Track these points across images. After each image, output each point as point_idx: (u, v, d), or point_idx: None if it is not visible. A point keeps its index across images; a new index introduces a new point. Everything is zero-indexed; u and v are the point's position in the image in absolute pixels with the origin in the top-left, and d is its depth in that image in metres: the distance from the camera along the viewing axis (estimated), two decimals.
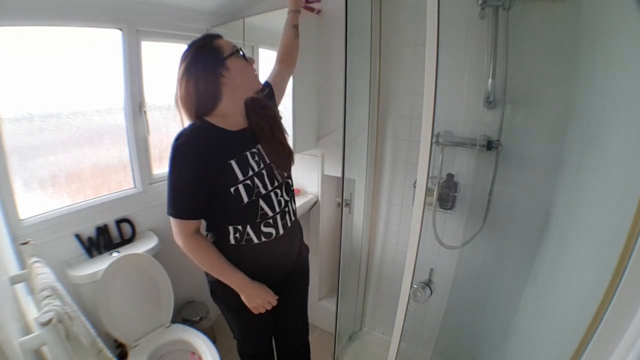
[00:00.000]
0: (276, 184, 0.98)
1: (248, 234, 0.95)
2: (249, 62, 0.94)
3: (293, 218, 1.05)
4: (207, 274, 1.05)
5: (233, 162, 0.89)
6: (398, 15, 1.40)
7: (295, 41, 1.23)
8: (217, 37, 0.94)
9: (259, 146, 0.97)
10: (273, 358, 1.32)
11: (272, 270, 1.05)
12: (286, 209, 1.01)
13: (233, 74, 0.90)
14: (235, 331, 1.19)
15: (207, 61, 0.89)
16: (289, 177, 1.05)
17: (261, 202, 0.94)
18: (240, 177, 0.90)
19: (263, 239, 0.97)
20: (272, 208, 0.96)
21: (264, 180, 0.95)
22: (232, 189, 0.89)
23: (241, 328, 1.16)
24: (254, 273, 0.99)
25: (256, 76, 0.98)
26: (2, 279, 0.82)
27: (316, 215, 1.79)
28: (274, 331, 1.24)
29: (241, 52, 0.93)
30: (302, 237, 1.18)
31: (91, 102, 1.42)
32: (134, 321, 1.40)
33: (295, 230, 1.09)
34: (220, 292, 1.04)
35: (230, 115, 0.95)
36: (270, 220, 0.97)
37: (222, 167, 0.89)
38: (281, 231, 0.99)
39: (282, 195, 0.99)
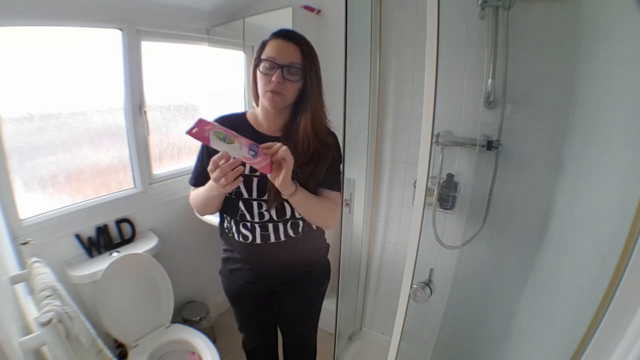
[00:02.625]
0: (265, 197, 0.93)
1: (231, 228, 1.00)
2: (266, 73, 0.86)
3: (282, 239, 0.98)
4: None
5: None
6: (398, 15, 1.39)
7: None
8: (280, 35, 0.87)
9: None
10: (275, 355, 1.32)
11: (256, 273, 1.04)
12: (269, 224, 0.96)
13: (257, 78, 0.89)
14: (236, 322, 1.22)
15: (255, 56, 0.91)
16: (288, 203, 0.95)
17: (240, 204, 0.95)
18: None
19: (241, 239, 0.99)
20: (251, 215, 0.95)
21: (250, 186, 0.93)
22: None
23: (238, 319, 1.20)
24: (240, 268, 1.05)
25: (270, 94, 0.86)
26: (2, 279, 0.82)
27: None
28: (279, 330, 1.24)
29: (261, 63, 0.86)
30: (311, 263, 1.10)
31: (91, 102, 1.42)
32: (134, 321, 1.40)
33: (286, 249, 1.00)
34: (222, 270, 1.13)
35: (261, 117, 0.96)
36: (249, 224, 0.96)
37: None
38: (258, 240, 0.97)
39: (266, 210, 0.94)
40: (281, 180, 0.81)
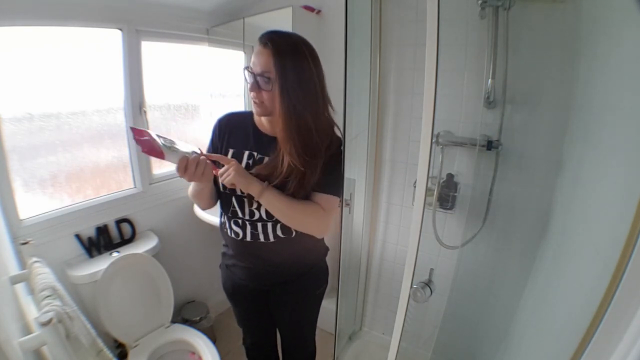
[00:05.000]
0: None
1: (225, 223, 1.02)
2: (248, 82, 0.86)
3: (272, 239, 0.96)
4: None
5: (230, 151, 0.96)
6: (398, 15, 1.40)
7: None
8: (258, 40, 0.84)
9: (265, 157, 0.93)
10: (274, 352, 1.32)
11: (248, 271, 1.04)
12: (259, 223, 0.95)
13: None
14: (234, 316, 1.23)
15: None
16: None
17: (233, 200, 0.95)
18: None
19: (233, 235, 1.00)
20: (242, 211, 0.95)
21: None
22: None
23: (235, 314, 1.21)
24: (235, 264, 1.06)
25: (253, 103, 0.86)
26: (2, 279, 0.82)
27: None
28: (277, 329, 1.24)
29: (246, 72, 0.85)
30: (306, 265, 1.08)
31: (91, 102, 1.42)
32: (134, 321, 1.40)
33: (276, 250, 0.99)
34: (221, 264, 1.14)
35: (263, 118, 0.94)
36: (240, 221, 0.97)
37: (224, 151, 0.96)
38: (248, 237, 0.97)
39: (256, 209, 0.93)
40: (238, 185, 0.85)
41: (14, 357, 0.62)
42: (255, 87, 0.83)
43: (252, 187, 0.86)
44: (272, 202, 0.88)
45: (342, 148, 0.95)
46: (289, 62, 0.81)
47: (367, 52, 1.43)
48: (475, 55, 1.24)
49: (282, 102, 0.82)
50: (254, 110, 0.90)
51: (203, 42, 1.77)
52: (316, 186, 0.91)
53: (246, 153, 0.94)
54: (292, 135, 0.84)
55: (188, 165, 0.81)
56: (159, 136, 0.82)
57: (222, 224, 1.05)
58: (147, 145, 0.79)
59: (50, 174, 1.35)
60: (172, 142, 0.84)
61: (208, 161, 0.85)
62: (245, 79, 0.87)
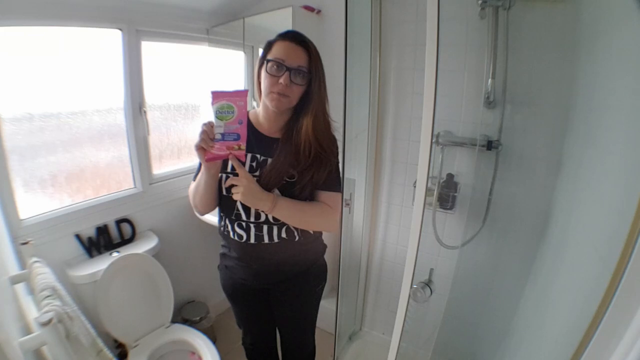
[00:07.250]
0: None
1: (227, 226, 1.02)
2: (273, 75, 0.86)
3: (276, 240, 0.98)
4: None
5: None
6: (398, 15, 1.40)
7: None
8: (288, 37, 0.87)
9: (268, 159, 0.94)
10: (274, 351, 1.32)
11: (250, 271, 1.05)
12: (264, 226, 0.97)
13: (262, 78, 0.90)
14: (234, 317, 1.23)
15: (261, 56, 0.91)
16: None
17: (238, 203, 0.95)
18: (229, 169, 0.95)
19: (236, 238, 1.00)
20: (247, 214, 0.96)
21: None
22: (220, 175, 0.95)
23: (235, 314, 1.22)
24: (236, 265, 1.06)
25: (276, 96, 0.86)
26: (2, 279, 0.82)
27: None
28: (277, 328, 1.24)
29: (268, 64, 0.86)
30: (306, 263, 1.09)
31: (91, 102, 1.42)
32: (134, 321, 1.40)
33: (279, 250, 1.00)
34: (219, 265, 1.14)
35: (262, 117, 0.97)
36: (244, 224, 0.97)
37: None
38: (252, 240, 0.98)
39: (262, 211, 0.94)
40: (246, 204, 0.88)
41: (14, 357, 0.62)
42: (289, 80, 0.85)
43: (262, 205, 0.88)
44: (283, 213, 0.92)
45: (338, 147, 1.00)
46: (319, 63, 0.89)
47: (367, 52, 1.43)
48: (475, 55, 1.24)
49: (314, 100, 0.89)
50: (273, 104, 0.88)
51: (203, 42, 1.77)
52: (320, 185, 0.96)
53: (249, 156, 0.95)
54: (318, 128, 0.91)
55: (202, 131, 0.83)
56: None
57: (222, 226, 1.04)
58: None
59: (50, 174, 1.35)
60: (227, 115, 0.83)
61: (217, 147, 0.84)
62: (272, 72, 0.86)
